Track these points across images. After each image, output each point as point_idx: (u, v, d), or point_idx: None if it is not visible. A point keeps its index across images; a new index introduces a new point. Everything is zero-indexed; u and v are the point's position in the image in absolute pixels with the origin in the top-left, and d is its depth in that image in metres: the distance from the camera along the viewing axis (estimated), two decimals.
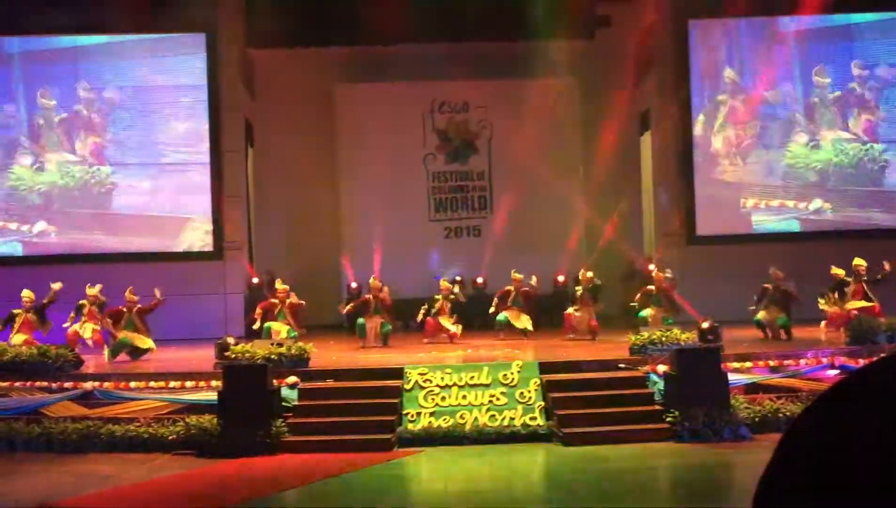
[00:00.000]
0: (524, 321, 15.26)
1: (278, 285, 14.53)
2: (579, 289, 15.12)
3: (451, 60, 18.72)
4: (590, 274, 15.27)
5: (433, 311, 15.24)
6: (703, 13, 17.55)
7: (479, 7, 17.90)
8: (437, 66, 18.40)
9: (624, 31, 18.41)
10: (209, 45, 17.76)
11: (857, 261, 14.37)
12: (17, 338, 13.31)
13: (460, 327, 15.25)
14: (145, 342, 13.77)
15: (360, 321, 14.82)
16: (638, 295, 14.81)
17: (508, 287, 15.55)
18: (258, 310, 14.28)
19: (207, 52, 17.76)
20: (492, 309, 15.63)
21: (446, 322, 15.13)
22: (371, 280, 15.44)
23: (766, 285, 14.28)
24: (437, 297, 15.35)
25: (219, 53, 17.79)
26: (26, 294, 13.81)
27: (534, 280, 15.57)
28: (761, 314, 14.11)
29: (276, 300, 14.15)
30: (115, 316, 13.94)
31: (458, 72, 19.06)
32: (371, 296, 15.02)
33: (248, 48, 19.08)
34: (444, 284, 15.62)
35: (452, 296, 15.33)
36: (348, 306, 15.66)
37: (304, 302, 14.33)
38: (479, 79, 19.44)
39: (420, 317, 15.29)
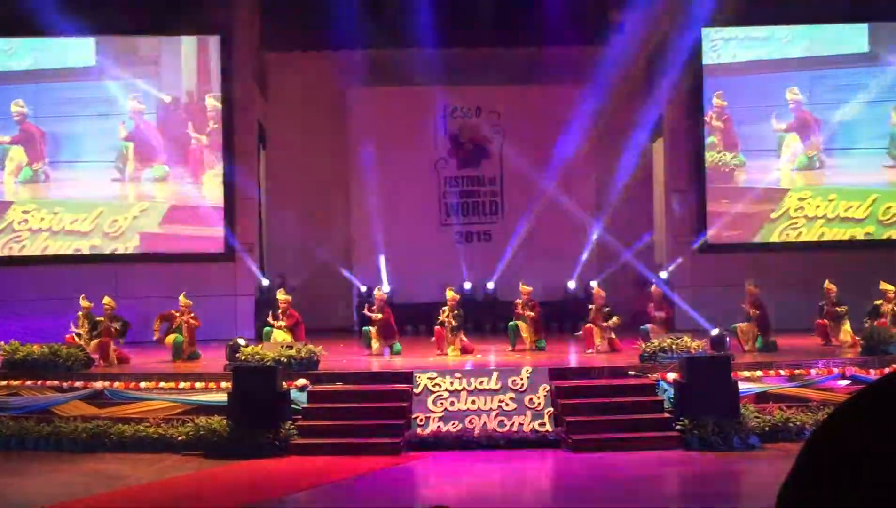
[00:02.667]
0: (532, 335, 14.25)
1: (279, 295, 14.38)
2: (592, 307, 14.16)
3: (463, 65, 18.74)
4: (602, 292, 14.40)
5: (439, 320, 14.13)
6: (718, 22, 17.53)
7: (493, 13, 17.92)
8: (449, 70, 18.41)
9: (637, 37, 18.40)
10: (223, 47, 17.80)
11: (828, 284, 14.33)
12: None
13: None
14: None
15: (366, 328, 14.41)
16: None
17: (518, 301, 14.49)
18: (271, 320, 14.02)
19: (221, 54, 17.81)
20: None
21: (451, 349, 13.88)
22: (376, 291, 14.94)
23: (744, 305, 13.96)
24: (444, 309, 14.11)
25: (233, 55, 17.84)
26: (107, 302, 13.83)
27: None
28: (741, 325, 13.81)
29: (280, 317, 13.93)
30: (168, 319, 13.91)
31: (471, 77, 19.08)
32: (377, 313, 14.21)
33: (262, 50, 19.14)
34: (450, 294, 14.22)
35: (456, 311, 13.98)
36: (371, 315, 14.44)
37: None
38: (492, 84, 19.45)
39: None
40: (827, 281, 14.35)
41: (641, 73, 18.68)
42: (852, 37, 17.53)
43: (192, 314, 13.90)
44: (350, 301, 19.61)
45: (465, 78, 19.06)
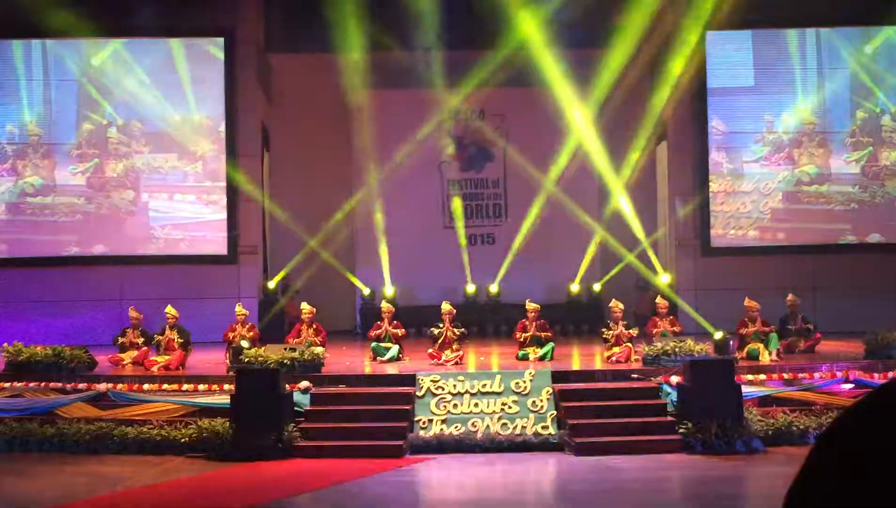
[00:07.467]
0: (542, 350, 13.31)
1: (304, 306, 14.01)
2: (617, 329, 13.20)
3: (467, 68, 18.72)
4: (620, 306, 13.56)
5: (438, 343, 13.10)
6: (723, 25, 17.52)
7: (496, 16, 17.91)
8: (453, 73, 18.40)
9: (641, 40, 18.41)
10: (227, 48, 17.82)
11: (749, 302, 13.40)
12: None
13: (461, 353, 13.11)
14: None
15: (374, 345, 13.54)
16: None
17: (524, 320, 13.54)
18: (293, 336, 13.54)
19: (225, 55, 17.82)
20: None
21: (447, 353, 12.96)
22: (383, 304, 14.25)
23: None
24: (439, 325, 13.29)
25: (237, 57, 17.85)
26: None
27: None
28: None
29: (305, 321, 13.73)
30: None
31: (475, 80, 19.05)
32: (384, 326, 13.60)
33: (267, 52, 19.15)
34: (446, 307, 13.47)
35: (454, 326, 13.21)
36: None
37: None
38: (496, 87, 19.43)
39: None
40: (747, 298, 13.38)
41: (645, 75, 18.65)
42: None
43: (251, 324, 13.83)
44: (354, 302, 19.60)
45: (468, 81, 19.03)
